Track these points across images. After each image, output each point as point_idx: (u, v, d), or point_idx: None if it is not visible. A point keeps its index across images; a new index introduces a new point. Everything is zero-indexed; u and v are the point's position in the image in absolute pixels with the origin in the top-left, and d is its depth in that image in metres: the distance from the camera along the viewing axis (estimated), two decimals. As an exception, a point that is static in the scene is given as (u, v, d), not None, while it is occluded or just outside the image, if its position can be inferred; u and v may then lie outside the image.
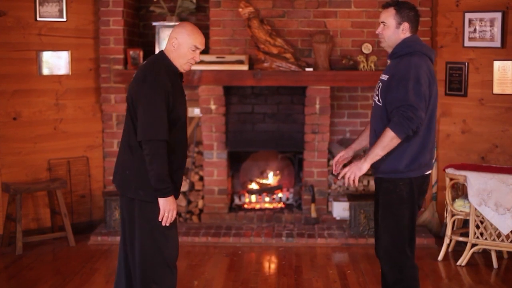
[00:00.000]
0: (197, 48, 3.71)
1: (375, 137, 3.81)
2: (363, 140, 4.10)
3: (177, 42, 3.69)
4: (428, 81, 3.71)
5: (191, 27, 3.73)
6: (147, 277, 3.79)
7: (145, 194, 3.71)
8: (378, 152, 3.68)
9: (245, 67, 6.30)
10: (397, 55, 3.81)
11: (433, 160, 3.93)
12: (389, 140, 3.65)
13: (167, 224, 3.72)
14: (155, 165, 3.60)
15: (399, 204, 3.81)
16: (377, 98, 3.83)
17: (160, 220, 3.70)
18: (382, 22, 3.85)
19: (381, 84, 3.81)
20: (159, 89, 3.60)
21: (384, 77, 3.81)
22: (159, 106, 3.60)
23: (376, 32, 3.91)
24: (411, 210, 3.82)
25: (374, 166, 3.83)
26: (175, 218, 3.80)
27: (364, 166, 3.71)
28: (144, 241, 3.77)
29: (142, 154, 3.65)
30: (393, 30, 3.81)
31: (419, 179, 3.82)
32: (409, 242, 3.84)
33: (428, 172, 3.87)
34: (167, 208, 3.69)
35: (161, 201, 3.68)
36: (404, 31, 3.80)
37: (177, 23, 6.34)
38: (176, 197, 3.79)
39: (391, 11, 3.80)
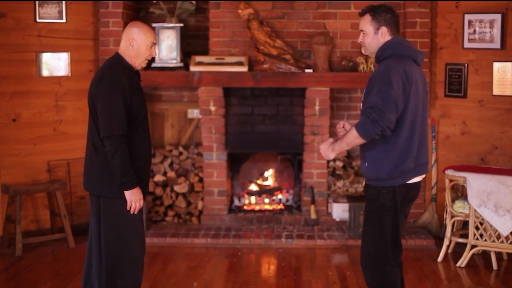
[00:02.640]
0: (153, 44, 3.92)
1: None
2: None
3: (135, 42, 3.87)
4: (403, 83, 3.64)
5: (145, 26, 3.94)
6: (112, 273, 3.91)
7: (109, 190, 3.87)
8: (344, 146, 3.76)
9: (244, 69, 6.30)
10: (380, 59, 3.81)
11: (426, 166, 3.88)
12: (353, 138, 3.68)
13: (136, 212, 3.86)
14: (117, 160, 3.75)
15: (381, 212, 3.78)
16: (361, 104, 3.85)
17: (128, 209, 3.85)
18: (361, 30, 3.84)
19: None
20: (116, 87, 3.77)
21: None
22: (117, 103, 3.76)
23: (358, 41, 3.91)
24: (394, 218, 3.77)
25: (362, 173, 3.87)
26: (142, 216, 3.96)
27: (331, 155, 3.83)
28: (109, 238, 3.91)
29: (105, 152, 3.80)
30: (372, 36, 3.79)
31: (404, 187, 3.76)
32: (392, 249, 3.81)
33: (415, 180, 3.81)
34: (133, 199, 3.84)
35: (127, 193, 3.83)
36: (383, 36, 3.78)
37: (177, 24, 6.42)
38: (145, 193, 3.94)
39: (367, 18, 3.79)
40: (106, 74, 3.82)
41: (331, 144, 3.83)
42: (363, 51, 6.46)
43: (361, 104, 3.82)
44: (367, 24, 3.79)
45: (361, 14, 3.82)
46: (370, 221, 3.83)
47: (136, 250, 3.94)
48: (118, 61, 3.89)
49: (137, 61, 3.91)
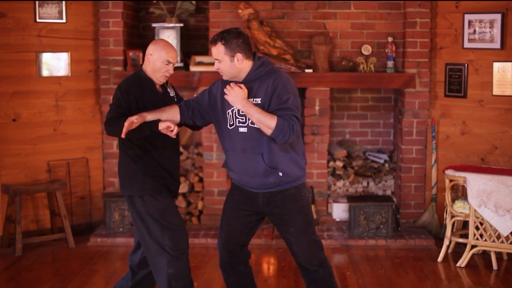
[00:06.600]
0: (169, 62, 4.04)
1: (263, 161, 3.82)
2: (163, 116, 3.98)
3: (152, 58, 4.04)
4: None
5: (163, 43, 4.10)
6: (156, 265, 4.10)
7: (131, 190, 4.07)
8: (253, 115, 3.69)
9: (244, 69, 6.29)
10: (253, 78, 3.81)
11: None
12: (266, 126, 3.67)
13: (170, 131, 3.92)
14: (109, 133, 3.97)
15: (308, 205, 3.97)
16: (248, 121, 3.80)
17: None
18: (215, 59, 3.82)
19: None
20: (122, 93, 3.97)
21: (254, 101, 3.76)
22: (116, 103, 3.98)
23: (214, 69, 3.89)
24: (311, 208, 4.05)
25: (275, 183, 3.88)
26: (169, 209, 4.09)
27: (239, 105, 3.71)
28: (140, 233, 4.09)
29: (128, 153, 4.05)
30: (229, 64, 3.79)
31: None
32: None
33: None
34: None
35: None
36: (240, 61, 3.78)
37: (177, 25, 6.43)
38: (174, 195, 4.20)
39: (220, 48, 3.77)
40: (120, 84, 4.06)
41: (248, 100, 3.74)
42: (363, 51, 6.48)
43: (242, 121, 3.82)
44: (221, 53, 3.77)
45: (212, 42, 3.80)
46: (300, 218, 3.92)
47: (169, 240, 4.06)
48: (137, 73, 4.10)
49: (155, 76, 4.06)
